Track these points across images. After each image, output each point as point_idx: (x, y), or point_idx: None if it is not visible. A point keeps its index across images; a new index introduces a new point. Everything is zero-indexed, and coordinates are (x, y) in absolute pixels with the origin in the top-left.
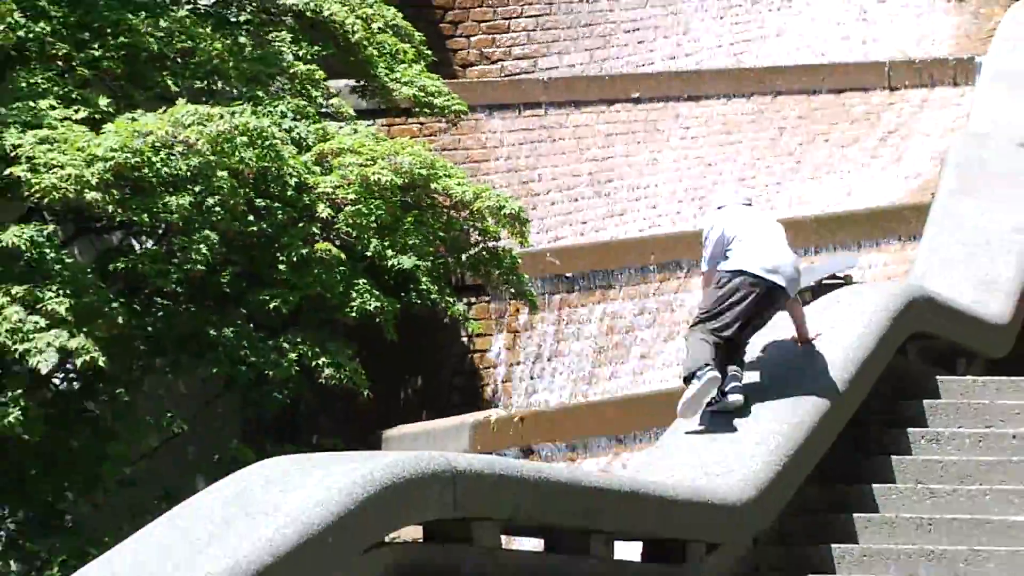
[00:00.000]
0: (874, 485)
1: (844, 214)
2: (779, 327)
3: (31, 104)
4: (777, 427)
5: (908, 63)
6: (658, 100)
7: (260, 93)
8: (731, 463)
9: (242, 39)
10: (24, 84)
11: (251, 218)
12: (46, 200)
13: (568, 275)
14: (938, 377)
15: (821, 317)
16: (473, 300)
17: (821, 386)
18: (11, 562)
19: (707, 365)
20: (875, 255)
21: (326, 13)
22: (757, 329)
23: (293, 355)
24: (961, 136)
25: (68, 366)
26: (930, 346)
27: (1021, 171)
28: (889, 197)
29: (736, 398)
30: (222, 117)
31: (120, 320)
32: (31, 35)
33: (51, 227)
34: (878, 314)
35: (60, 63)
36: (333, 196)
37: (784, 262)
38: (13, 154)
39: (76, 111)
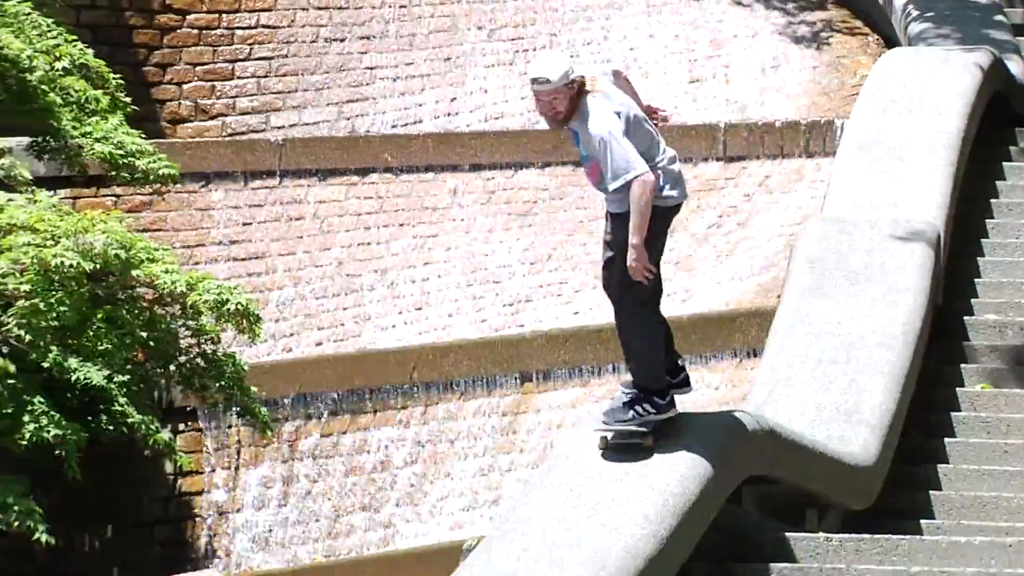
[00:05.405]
0: None
1: None
2: None
3: None
4: None
5: (749, 127)
6: (427, 170)
7: None
8: None
9: None
10: None
11: None
12: None
13: (307, 395)
14: (782, 533)
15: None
16: (183, 427)
17: (626, 543)
18: None
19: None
20: (703, 374)
21: None
22: None
23: None
24: (816, 222)
25: None
26: (773, 492)
27: (890, 267)
28: (722, 300)
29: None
30: None
31: None
32: None
33: None
34: (704, 450)
35: None
36: (1, 287)
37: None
38: None
39: None
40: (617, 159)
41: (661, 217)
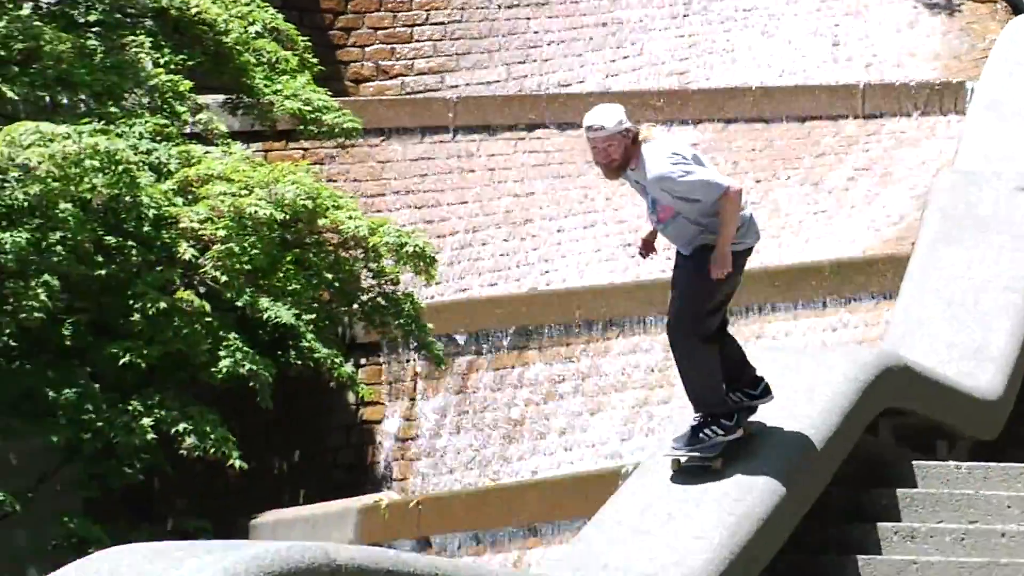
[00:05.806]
0: None
1: (807, 266)
2: None
3: None
4: (719, 518)
5: (886, 87)
6: None
7: (113, 108)
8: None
9: (92, 43)
10: None
11: (100, 259)
12: None
13: (478, 332)
14: (914, 462)
15: (776, 385)
16: (364, 361)
17: (775, 469)
18: None
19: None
20: (843, 315)
21: (193, 11)
22: None
23: (147, 421)
24: (947, 175)
25: None
26: (906, 424)
27: (1016, 216)
28: (861, 246)
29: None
30: (68, 137)
31: None
32: None
33: None
34: (845, 384)
35: None
36: (199, 232)
37: None
38: None
39: None
40: (701, 187)
41: (735, 259)
